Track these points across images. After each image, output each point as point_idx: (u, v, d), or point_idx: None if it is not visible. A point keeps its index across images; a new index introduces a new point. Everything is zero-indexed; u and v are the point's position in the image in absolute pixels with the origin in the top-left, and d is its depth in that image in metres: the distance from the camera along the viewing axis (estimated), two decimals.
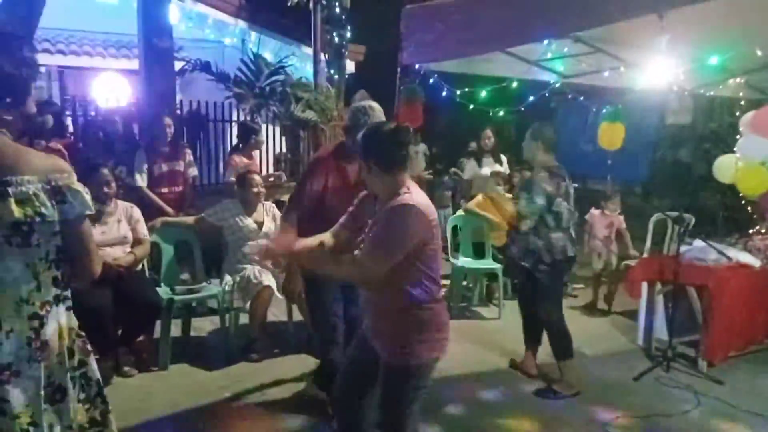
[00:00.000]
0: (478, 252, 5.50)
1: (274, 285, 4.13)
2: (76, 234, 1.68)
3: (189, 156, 5.28)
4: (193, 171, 5.33)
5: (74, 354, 1.75)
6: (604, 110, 5.74)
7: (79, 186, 1.66)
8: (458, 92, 4.61)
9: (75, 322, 1.78)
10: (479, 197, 5.34)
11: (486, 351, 4.46)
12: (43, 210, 1.57)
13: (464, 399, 3.67)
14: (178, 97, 7.51)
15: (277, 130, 8.26)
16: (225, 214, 4.36)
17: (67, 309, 1.74)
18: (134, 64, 7.89)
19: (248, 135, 5.37)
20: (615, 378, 4.02)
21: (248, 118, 6.94)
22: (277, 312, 4.67)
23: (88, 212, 1.69)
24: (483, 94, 4.56)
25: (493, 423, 3.39)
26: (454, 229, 5.63)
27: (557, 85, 4.77)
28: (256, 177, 4.46)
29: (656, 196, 9.67)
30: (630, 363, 4.23)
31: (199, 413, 3.37)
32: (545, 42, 3.61)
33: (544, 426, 3.38)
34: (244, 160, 5.27)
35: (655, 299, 4.50)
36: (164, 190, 4.99)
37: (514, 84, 4.36)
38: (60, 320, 1.70)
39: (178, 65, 7.32)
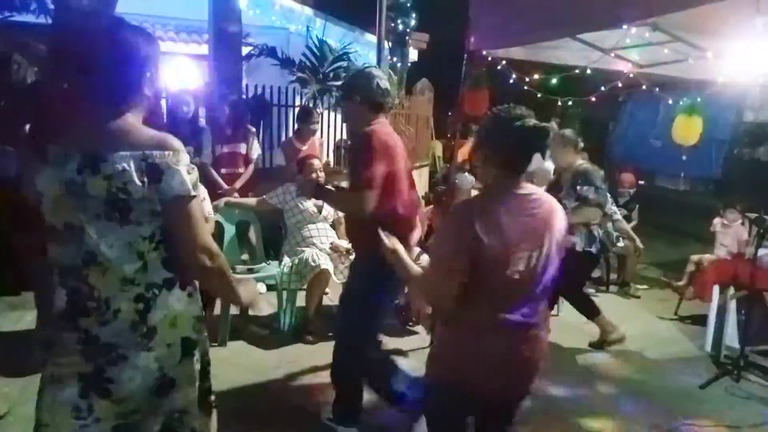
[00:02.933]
0: None
1: (331, 268, 4.15)
2: (173, 217, 1.57)
3: (253, 139, 5.37)
4: (257, 150, 5.42)
5: (193, 347, 1.67)
6: (680, 102, 5.44)
7: (182, 166, 1.56)
8: (527, 79, 4.46)
9: (196, 312, 1.68)
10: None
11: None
12: (129, 187, 1.50)
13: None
14: (244, 82, 7.65)
15: (339, 117, 8.30)
16: (286, 197, 4.42)
17: (189, 296, 1.65)
18: (204, 49, 8.09)
19: (302, 119, 5.43)
20: (681, 384, 3.83)
21: (311, 104, 7.00)
22: (333, 296, 4.70)
23: (186, 195, 1.56)
24: (554, 81, 4.39)
25: (555, 423, 3.29)
26: None
27: (631, 75, 4.54)
28: (316, 162, 4.49)
29: (729, 196, 9.20)
30: (697, 370, 4.03)
31: (254, 391, 3.43)
32: (622, 28, 3.42)
33: (606, 428, 3.26)
34: (297, 145, 5.32)
35: (727, 304, 4.26)
36: (223, 170, 5.12)
37: (588, 72, 4.17)
38: (173, 307, 1.61)
39: (245, 51, 7.45)
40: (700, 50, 3.96)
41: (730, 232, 5.33)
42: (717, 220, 5.59)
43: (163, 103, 6.16)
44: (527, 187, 1.96)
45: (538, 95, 4.71)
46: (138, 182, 1.51)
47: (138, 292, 1.56)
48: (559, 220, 1.98)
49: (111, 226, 1.53)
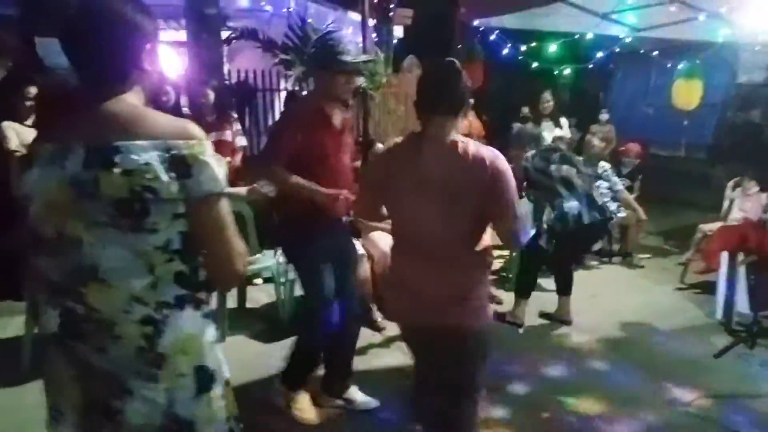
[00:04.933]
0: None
1: None
2: (203, 219, 1.32)
3: (237, 126, 5.19)
4: (242, 141, 5.25)
5: (211, 380, 1.41)
6: (679, 66, 5.29)
7: (210, 158, 1.31)
8: (522, 48, 4.30)
9: (212, 336, 1.43)
10: None
11: (548, 323, 4.26)
12: (154, 184, 1.24)
13: (530, 376, 3.48)
14: (226, 67, 7.42)
15: None
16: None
17: (204, 317, 1.40)
18: (183, 35, 7.82)
19: (290, 105, 5.25)
20: (693, 355, 3.74)
21: (296, 88, 6.79)
22: None
23: (219, 191, 1.32)
24: (552, 48, 4.24)
25: (564, 402, 3.19)
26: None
27: (628, 40, 4.38)
28: None
29: (723, 162, 9.11)
30: (708, 339, 3.94)
31: (256, 386, 3.30)
32: None
33: (619, 405, 3.16)
34: None
35: (737, 270, 4.16)
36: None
37: (587, 36, 4.01)
38: (185, 330, 1.35)
39: (224, 34, 7.21)
40: (697, 11, 3.81)
41: (752, 199, 5.19)
42: (732, 189, 5.39)
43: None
44: (445, 134, 2.00)
45: (533, 65, 4.55)
46: (165, 178, 1.25)
47: (146, 312, 1.30)
48: (483, 171, 1.96)
49: (117, 234, 1.27)
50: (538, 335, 4.08)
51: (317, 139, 2.67)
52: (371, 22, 7.44)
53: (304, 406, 2.98)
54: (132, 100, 1.35)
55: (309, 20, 7.73)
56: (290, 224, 2.83)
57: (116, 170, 1.23)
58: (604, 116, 8.24)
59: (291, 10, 9.16)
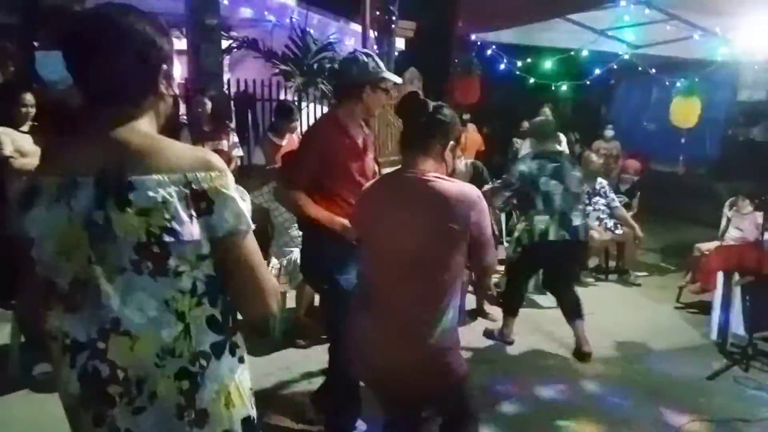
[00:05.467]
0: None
1: None
2: (229, 258, 1.20)
3: (233, 136, 5.18)
4: (238, 152, 5.22)
5: (254, 429, 1.32)
6: (678, 84, 5.28)
7: (233, 191, 1.19)
8: (519, 64, 4.29)
9: (249, 382, 1.32)
10: None
11: (543, 342, 4.21)
12: (174, 225, 1.12)
13: (522, 396, 3.43)
14: (227, 77, 7.43)
15: (326, 109, 8.10)
16: (272, 196, 4.23)
17: (240, 361, 1.29)
18: (183, 44, 7.85)
19: (282, 116, 5.14)
20: (687, 376, 3.70)
21: (296, 97, 6.80)
22: None
23: (245, 228, 1.20)
24: (548, 65, 4.23)
25: (555, 424, 3.14)
26: (509, 214, 5.33)
27: (626, 56, 4.37)
28: None
29: (724, 179, 9.06)
30: (703, 360, 3.89)
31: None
32: (617, 7, 3.26)
33: (610, 428, 3.11)
34: (275, 141, 5.11)
35: (732, 291, 4.12)
36: None
37: (584, 53, 4.00)
38: (226, 380, 1.24)
39: (225, 44, 7.24)
40: (695, 28, 3.80)
41: (748, 218, 5.15)
42: (729, 208, 5.34)
43: None
44: (415, 172, 1.89)
45: (531, 80, 4.54)
46: (185, 217, 1.13)
47: (180, 365, 1.17)
48: (449, 206, 1.81)
49: (141, 281, 1.14)
50: (531, 354, 4.03)
51: (341, 158, 2.62)
52: (372, 33, 7.47)
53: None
54: (145, 127, 1.21)
55: (310, 31, 7.77)
56: (318, 243, 2.70)
57: (130, 210, 1.10)
58: (609, 132, 8.11)
59: (293, 20, 9.22)
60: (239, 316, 1.29)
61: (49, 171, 1.18)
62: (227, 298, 1.24)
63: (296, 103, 5.98)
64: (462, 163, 5.09)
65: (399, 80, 2.69)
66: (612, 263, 5.90)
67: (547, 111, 6.14)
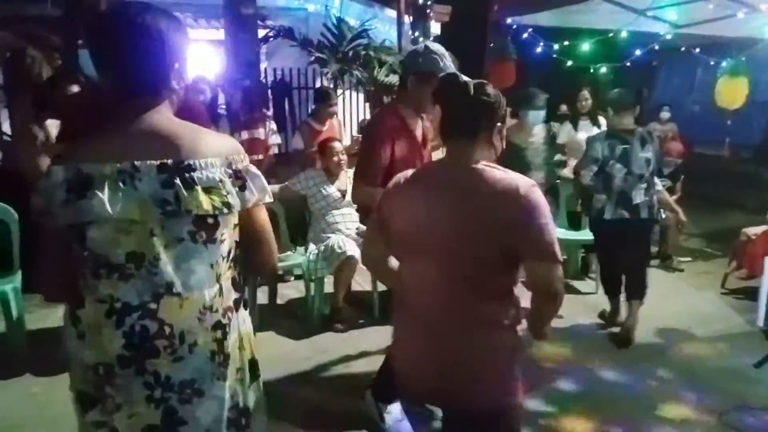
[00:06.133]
0: (574, 222, 5.14)
1: (358, 255, 4.02)
2: (254, 223, 1.45)
3: (271, 124, 5.25)
4: (276, 139, 5.31)
5: (256, 368, 1.55)
6: (724, 63, 5.09)
7: (256, 169, 1.43)
8: (555, 47, 4.20)
9: (250, 328, 1.54)
10: (572, 162, 4.94)
11: (584, 328, 4.17)
12: (229, 199, 1.34)
13: (573, 378, 3.43)
14: (264, 65, 7.51)
15: (361, 96, 8.11)
16: (308, 183, 4.29)
17: (248, 314, 1.55)
18: (221, 34, 7.97)
19: (320, 101, 5.26)
20: (731, 363, 3.61)
21: (331, 85, 6.83)
22: (361, 281, 4.58)
23: (267, 199, 1.44)
24: (585, 47, 4.13)
25: (596, 410, 3.11)
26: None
27: (668, 36, 4.24)
28: (337, 145, 4.33)
29: None
30: (749, 347, 3.78)
31: (285, 383, 3.34)
32: None
33: (651, 414, 3.08)
34: (316, 127, 5.17)
35: None
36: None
37: (623, 34, 3.89)
38: (240, 328, 1.47)
39: (261, 33, 7.30)
40: (742, 5, 3.65)
41: None
42: None
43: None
44: (462, 161, 1.69)
45: (568, 63, 4.45)
46: (234, 193, 1.35)
47: (216, 319, 1.39)
48: (506, 205, 1.60)
49: (195, 249, 1.33)
50: (573, 339, 3.99)
51: (402, 151, 2.60)
52: (407, 19, 7.42)
53: (399, 418, 2.87)
54: (170, 113, 1.38)
55: (345, 18, 7.78)
56: None
57: (198, 188, 1.30)
58: (665, 114, 7.70)
59: (328, 7, 9.24)
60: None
61: (100, 158, 1.29)
62: (238, 262, 1.46)
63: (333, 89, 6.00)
64: None
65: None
66: (654, 248, 5.78)
67: (585, 94, 6.01)
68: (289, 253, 4.38)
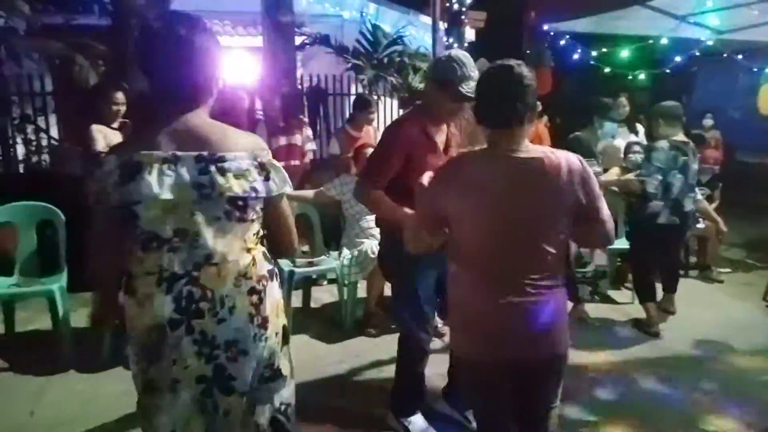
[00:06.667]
0: None
1: None
2: (277, 210, 1.70)
3: (307, 130, 5.33)
4: (311, 145, 5.39)
5: (287, 335, 1.77)
6: (766, 70, 4.97)
7: (278, 163, 1.67)
8: (593, 53, 4.17)
9: (281, 299, 1.77)
10: (615, 170, 4.87)
11: (619, 337, 4.11)
12: (256, 185, 1.59)
13: (612, 387, 3.40)
14: (299, 72, 7.62)
15: (395, 102, 8.15)
16: (343, 188, 4.34)
17: (280, 285, 1.76)
18: (259, 41, 8.12)
19: (359, 108, 5.32)
20: None
21: (366, 91, 6.90)
22: None
23: (287, 189, 1.68)
24: (624, 54, 4.08)
25: (632, 421, 3.08)
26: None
27: (710, 42, 4.16)
28: (370, 151, 4.37)
29: None
30: None
31: (318, 386, 3.38)
32: None
33: (688, 427, 3.02)
34: (353, 133, 5.23)
35: None
36: (281, 163, 5.07)
37: (663, 41, 3.84)
38: (276, 296, 1.70)
39: (298, 40, 7.42)
40: None
41: None
42: None
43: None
44: (521, 146, 1.81)
45: (605, 70, 4.40)
46: (259, 180, 1.60)
47: (251, 285, 1.62)
48: (576, 179, 1.81)
49: (230, 226, 1.58)
50: (608, 349, 3.94)
51: (420, 161, 2.55)
52: (442, 25, 7.44)
53: (423, 426, 2.89)
54: (205, 115, 1.62)
55: (380, 24, 7.85)
56: (396, 241, 2.61)
57: (230, 174, 1.54)
58: (708, 121, 7.53)
59: (363, 14, 9.31)
60: None
61: (147, 148, 1.53)
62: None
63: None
64: None
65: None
66: (693, 258, 5.66)
67: (623, 101, 5.92)
68: (323, 257, 4.44)
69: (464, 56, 2.50)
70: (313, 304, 4.59)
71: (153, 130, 1.57)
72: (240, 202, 1.57)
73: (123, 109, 4.36)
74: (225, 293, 1.57)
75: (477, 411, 2.09)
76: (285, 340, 1.75)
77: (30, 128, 5.92)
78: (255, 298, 1.61)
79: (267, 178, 1.60)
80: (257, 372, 1.65)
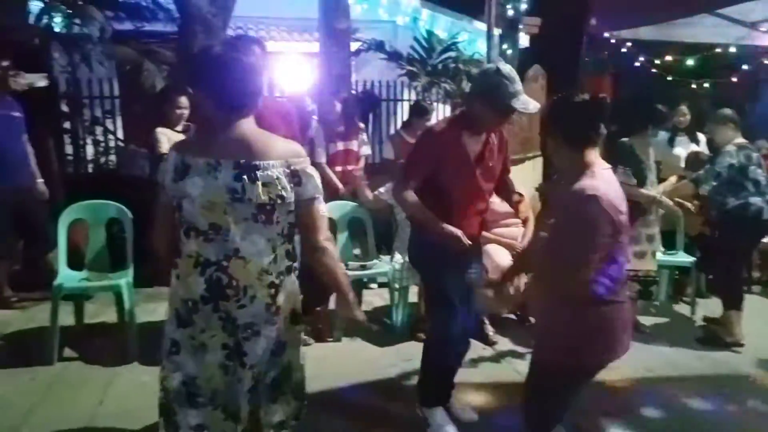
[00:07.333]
0: (669, 242, 4.91)
1: None
2: (308, 212, 1.86)
3: (363, 135, 5.39)
4: (366, 150, 5.45)
5: (297, 318, 1.98)
6: None
7: (312, 170, 1.85)
8: (657, 62, 4.09)
9: (297, 288, 1.98)
10: (672, 179, 4.74)
11: (679, 354, 4.00)
12: (283, 192, 1.77)
13: (666, 405, 3.31)
14: (353, 77, 7.71)
15: (448, 108, 8.16)
16: None
17: (297, 277, 1.96)
18: (313, 47, 8.27)
19: (417, 115, 5.35)
20: None
21: (419, 97, 6.92)
22: None
23: (319, 195, 1.86)
24: (690, 62, 3.99)
25: None
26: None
27: None
28: None
29: None
30: None
31: (369, 388, 3.42)
32: None
33: None
34: (407, 139, 5.26)
35: None
36: (338, 168, 5.16)
37: (732, 49, 3.73)
38: (288, 288, 1.91)
39: (353, 46, 7.51)
40: None
41: None
42: None
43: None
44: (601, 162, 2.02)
45: (668, 78, 4.30)
46: (288, 188, 1.78)
47: (271, 279, 1.84)
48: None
49: (256, 227, 1.78)
50: (681, 361, 3.83)
51: (451, 168, 2.64)
52: (497, 31, 7.40)
53: (440, 422, 2.93)
54: (253, 125, 1.83)
55: (433, 30, 7.88)
56: (423, 242, 2.81)
57: (258, 182, 1.75)
58: None
59: (416, 20, 9.36)
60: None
61: (197, 153, 1.80)
62: (294, 238, 1.91)
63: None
64: None
65: (529, 110, 2.58)
66: (756, 273, 5.44)
67: (684, 109, 5.76)
68: (375, 261, 4.48)
69: (511, 70, 2.57)
70: (364, 308, 4.60)
71: (204, 137, 1.85)
72: (267, 207, 1.77)
73: (186, 112, 4.52)
74: (248, 284, 1.81)
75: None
76: (294, 321, 1.96)
77: (99, 130, 6.19)
78: (272, 290, 1.85)
79: (298, 184, 1.80)
80: (266, 348, 1.89)
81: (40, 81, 4.89)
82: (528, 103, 2.55)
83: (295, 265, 1.94)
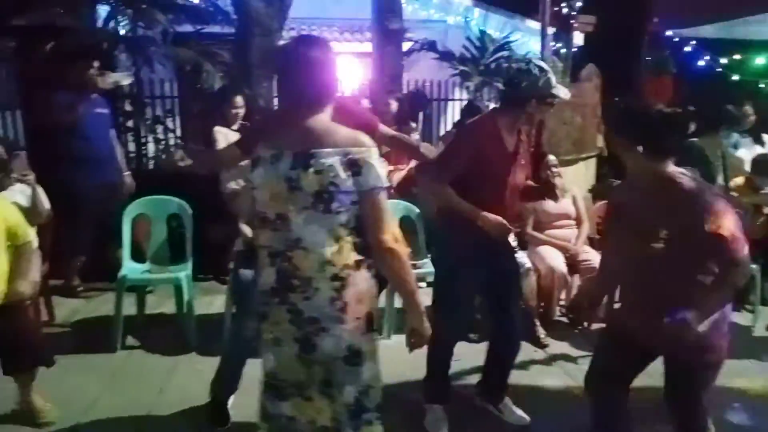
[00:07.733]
0: None
1: None
2: (368, 204, 1.80)
3: (416, 134, 5.41)
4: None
5: (371, 321, 1.90)
6: None
7: (375, 161, 1.79)
8: (722, 60, 3.95)
9: (375, 291, 1.92)
10: (739, 179, 4.56)
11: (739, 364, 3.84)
12: (335, 180, 1.74)
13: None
14: (404, 77, 7.74)
15: None
16: None
17: (373, 276, 1.89)
18: (365, 46, 8.34)
19: (471, 115, 5.31)
20: None
21: (471, 97, 6.89)
22: None
23: (380, 186, 1.79)
24: (758, 61, 3.84)
25: None
26: None
27: None
28: None
29: None
30: None
31: (419, 388, 3.43)
32: None
33: None
34: None
35: None
36: (390, 167, 5.18)
37: None
38: (360, 286, 1.84)
39: (405, 46, 7.54)
40: None
41: None
42: None
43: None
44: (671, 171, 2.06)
45: (733, 77, 4.15)
46: (343, 176, 1.74)
47: (334, 272, 1.79)
48: (689, 207, 1.97)
49: (315, 216, 1.77)
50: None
51: (487, 162, 2.69)
52: (550, 30, 7.28)
53: (434, 419, 3.02)
54: (325, 118, 1.86)
55: (488, 31, 7.81)
56: (451, 234, 2.87)
57: (311, 170, 1.75)
58: None
59: (467, 19, 9.31)
60: None
61: (266, 146, 1.86)
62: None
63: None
64: None
65: (567, 96, 2.69)
66: None
67: (748, 110, 5.54)
68: (425, 260, 4.48)
69: (544, 64, 2.69)
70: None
71: (276, 130, 1.91)
72: (325, 195, 1.75)
73: (242, 111, 4.65)
74: (311, 275, 1.79)
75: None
76: (368, 327, 1.88)
77: (160, 128, 6.42)
78: (337, 283, 1.79)
79: (357, 174, 1.75)
80: (336, 350, 1.83)
81: (125, 79, 5.12)
82: (561, 90, 2.67)
83: (369, 262, 1.87)
